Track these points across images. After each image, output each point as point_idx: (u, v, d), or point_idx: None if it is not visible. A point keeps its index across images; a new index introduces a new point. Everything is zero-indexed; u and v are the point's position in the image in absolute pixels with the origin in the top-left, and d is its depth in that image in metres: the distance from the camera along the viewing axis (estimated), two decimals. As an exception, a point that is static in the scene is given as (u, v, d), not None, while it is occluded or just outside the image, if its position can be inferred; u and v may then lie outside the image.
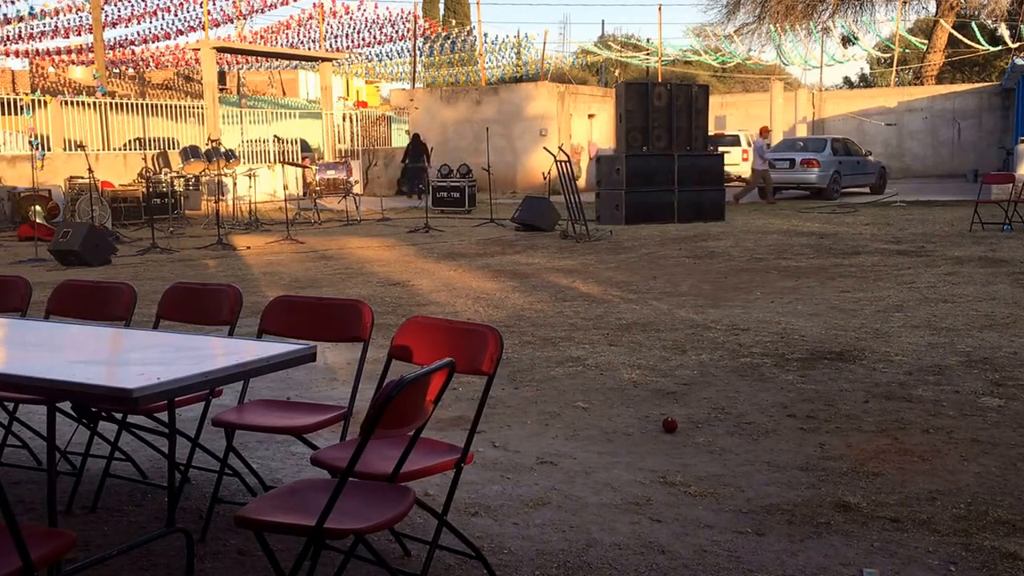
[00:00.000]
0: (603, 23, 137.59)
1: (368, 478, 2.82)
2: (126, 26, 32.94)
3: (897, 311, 7.78)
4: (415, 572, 2.99)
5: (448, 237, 14.98)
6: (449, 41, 39.13)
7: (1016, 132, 25.63)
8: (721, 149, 22.06)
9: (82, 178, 16.44)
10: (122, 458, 4.04)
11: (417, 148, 25.30)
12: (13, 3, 31.99)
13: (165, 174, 17.39)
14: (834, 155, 22.28)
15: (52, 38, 33.43)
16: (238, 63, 38.27)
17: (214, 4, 31.53)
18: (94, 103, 21.74)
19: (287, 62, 37.23)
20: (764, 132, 21.74)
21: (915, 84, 38.53)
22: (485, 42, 37.08)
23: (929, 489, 3.85)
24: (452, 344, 3.20)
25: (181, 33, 33.89)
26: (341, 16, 34.47)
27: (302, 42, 36.27)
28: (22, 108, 20.20)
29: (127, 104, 22.68)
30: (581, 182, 22.37)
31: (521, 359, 6.31)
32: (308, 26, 35.01)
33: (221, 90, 29.47)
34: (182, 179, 18.18)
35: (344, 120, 28.95)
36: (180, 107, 23.69)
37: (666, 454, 4.37)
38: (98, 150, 20.55)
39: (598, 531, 3.50)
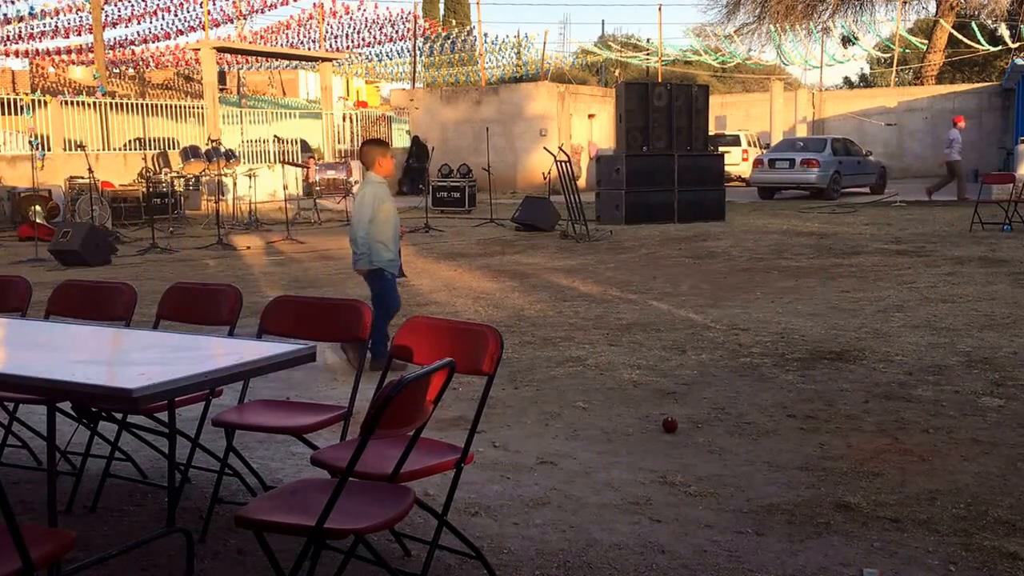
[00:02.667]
0: (603, 23, 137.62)
1: (368, 478, 2.82)
2: (126, 26, 32.94)
3: (897, 311, 7.78)
4: (415, 572, 2.99)
5: (448, 237, 14.97)
6: (449, 41, 39.11)
7: (1016, 132, 25.63)
8: (721, 149, 22.05)
9: (82, 178, 16.44)
10: (122, 458, 4.03)
11: (419, 149, 25.89)
12: (13, 3, 31.98)
13: (165, 174, 17.38)
14: (834, 155, 22.27)
15: (52, 38, 33.42)
16: (238, 63, 38.25)
17: (214, 4, 31.54)
18: (94, 103, 21.73)
19: (287, 62, 37.20)
20: (959, 122, 21.11)
21: (915, 84, 38.52)
22: (485, 42, 37.08)
23: (929, 489, 3.85)
24: (452, 344, 3.20)
25: (181, 33, 33.89)
26: (341, 16, 34.46)
27: (302, 42, 36.26)
28: (22, 108, 20.19)
29: (127, 104, 22.68)
30: (581, 182, 22.37)
31: (521, 359, 6.31)
32: (308, 26, 35.00)
33: (221, 90, 29.46)
34: (182, 179, 18.18)
35: (344, 120, 28.94)
36: (180, 107, 23.69)
37: (666, 454, 4.37)
38: (98, 150, 20.54)
39: (598, 531, 3.50)
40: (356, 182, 22.15)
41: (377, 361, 5.95)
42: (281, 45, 34.74)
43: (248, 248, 13.83)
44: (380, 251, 5.93)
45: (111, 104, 22.02)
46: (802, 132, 31.67)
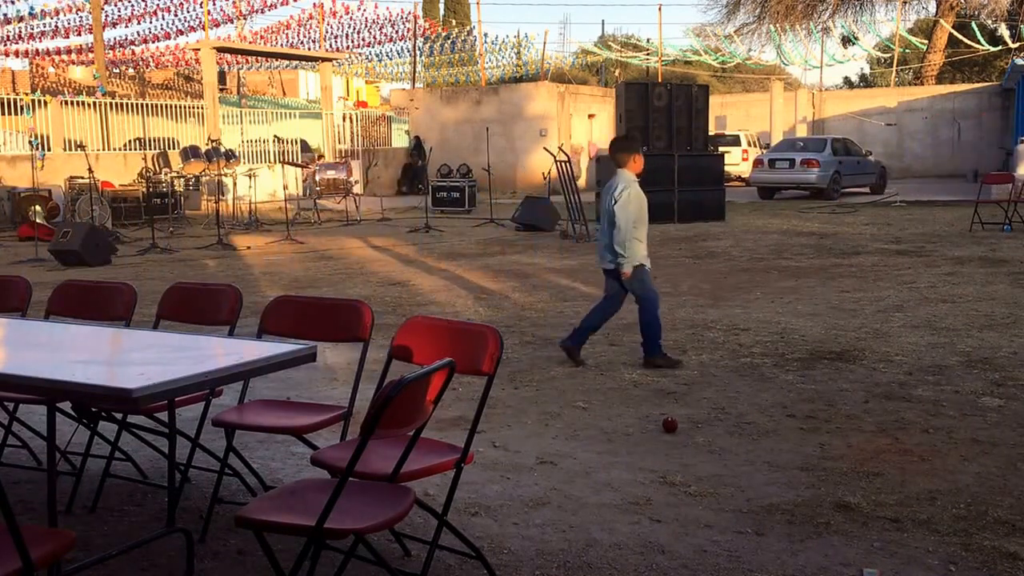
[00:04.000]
0: (603, 23, 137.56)
1: (368, 478, 2.82)
2: (126, 26, 32.92)
3: (897, 311, 7.78)
4: (415, 572, 2.99)
5: (448, 237, 14.97)
6: (449, 41, 39.10)
7: (1016, 132, 25.60)
8: (721, 149, 22.05)
9: (82, 178, 16.44)
10: (122, 458, 4.03)
11: (419, 149, 26.18)
12: (13, 3, 31.96)
13: (165, 174, 17.38)
14: (834, 155, 22.27)
15: (52, 38, 33.41)
16: (238, 63, 38.24)
17: (214, 4, 31.53)
18: (94, 103, 21.73)
19: (287, 62, 37.19)
20: None
21: (915, 84, 38.52)
22: (485, 42, 37.07)
23: (929, 489, 3.85)
24: (452, 344, 3.20)
25: (181, 33, 33.87)
26: (341, 16, 34.44)
27: (302, 42, 36.24)
28: (22, 108, 20.18)
29: (127, 104, 22.67)
30: (581, 182, 22.36)
31: (521, 359, 6.31)
32: (308, 26, 34.99)
33: (221, 90, 29.44)
34: (182, 179, 18.18)
35: (344, 120, 28.92)
36: (180, 107, 23.68)
37: (666, 454, 4.37)
38: (98, 150, 20.53)
39: (598, 531, 3.50)
40: (356, 182, 22.16)
41: (654, 358, 5.98)
42: (281, 45, 34.74)
43: (248, 248, 13.83)
44: (639, 248, 6.03)
45: (111, 104, 22.02)
46: (802, 132, 31.67)
